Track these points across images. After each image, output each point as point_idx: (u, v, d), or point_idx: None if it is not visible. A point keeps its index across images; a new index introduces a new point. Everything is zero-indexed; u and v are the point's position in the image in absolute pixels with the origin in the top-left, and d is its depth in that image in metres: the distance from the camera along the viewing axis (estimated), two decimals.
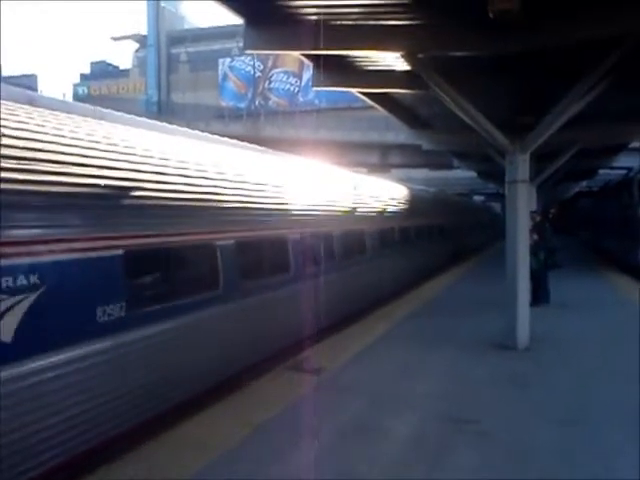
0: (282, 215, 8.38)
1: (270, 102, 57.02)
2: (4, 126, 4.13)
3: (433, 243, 19.12)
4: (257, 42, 8.11)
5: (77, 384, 4.42)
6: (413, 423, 5.39)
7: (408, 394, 6.23)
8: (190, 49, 61.34)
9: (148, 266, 5.56)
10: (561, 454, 4.69)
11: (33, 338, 4.06)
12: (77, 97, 57.47)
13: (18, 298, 3.95)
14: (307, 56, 9.21)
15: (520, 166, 8.40)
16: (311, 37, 7.43)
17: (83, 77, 67.95)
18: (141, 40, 64.01)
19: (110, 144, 5.20)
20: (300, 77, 56.21)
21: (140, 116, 6.95)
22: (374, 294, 12.19)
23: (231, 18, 12.96)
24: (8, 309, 3.87)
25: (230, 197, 6.94)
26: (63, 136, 4.69)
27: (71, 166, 4.59)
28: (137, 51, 65.68)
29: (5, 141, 4.06)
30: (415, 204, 17.15)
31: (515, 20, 6.28)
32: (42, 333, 4.13)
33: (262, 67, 58.50)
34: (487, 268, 19.13)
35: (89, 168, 4.76)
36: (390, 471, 4.39)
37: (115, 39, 75.74)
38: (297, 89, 57.49)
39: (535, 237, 11.02)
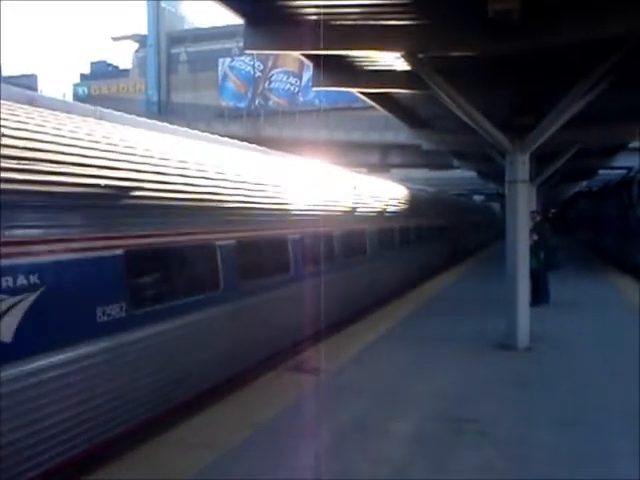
0: (282, 215, 8.38)
1: (270, 102, 57.10)
2: (4, 126, 4.13)
3: (433, 243, 19.13)
4: (257, 42, 8.11)
5: (77, 384, 4.41)
6: (413, 422, 5.39)
7: (408, 394, 6.23)
8: (190, 49, 61.42)
9: (148, 266, 5.56)
10: (561, 454, 4.68)
11: (33, 338, 4.06)
12: (77, 97, 57.59)
13: (18, 298, 3.94)
14: (307, 56, 9.20)
15: (520, 166, 8.41)
16: (311, 37, 7.43)
17: (83, 77, 68.10)
18: (141, 40, 64.12)
19: (110, 144, 5.20)
20: (300, 77, 56.27)
21: (140, 116, 6.97)
22: (374, 294, 12.20)
23: (231, 18, 12.94)
24: (8, 309, 3.87)
25: (230, 197, 6.94)
26: (63, 136, 4.69)
27: (71, 166, 4.59)
28: (137, 51, 65.77)
29: (5, 141, 4.06)
30: (415, 204, 17.16)
31: (515, 20, 6.29)
32: (42, 333, 4.13)
33: (262, 67, 58.58)
34: (487, 268, 19.14)
35: (89, 168, 4.76)
36: (390, 471, 4.39)
37: (115, 39, 75.98)
38: (297, 89, 57.54)
39: (535, 237, 11.01)
